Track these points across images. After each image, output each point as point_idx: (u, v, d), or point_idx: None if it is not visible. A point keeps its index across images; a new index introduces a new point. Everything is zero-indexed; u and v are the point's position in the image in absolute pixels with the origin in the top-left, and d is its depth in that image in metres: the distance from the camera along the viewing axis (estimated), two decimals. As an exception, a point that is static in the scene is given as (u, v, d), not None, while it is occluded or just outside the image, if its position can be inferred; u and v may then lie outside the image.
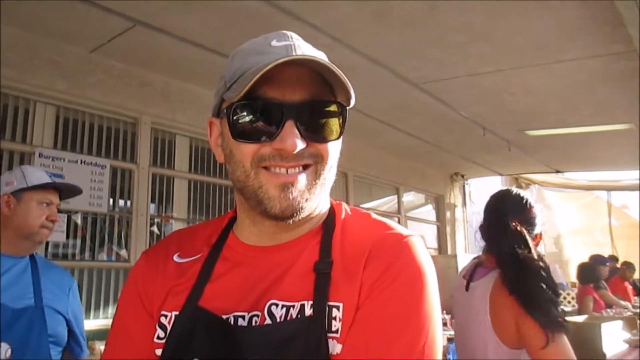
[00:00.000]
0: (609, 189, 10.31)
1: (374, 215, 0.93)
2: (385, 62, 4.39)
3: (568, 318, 2.11)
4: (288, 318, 0.80)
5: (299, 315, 0.80)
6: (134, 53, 4.20)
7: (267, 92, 0.80)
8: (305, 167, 0.83)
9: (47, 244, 3.92)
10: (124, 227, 4.43)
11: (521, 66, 4.43)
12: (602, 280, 6.46)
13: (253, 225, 0.90)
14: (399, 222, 7.69)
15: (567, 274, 9.61)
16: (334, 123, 0.85)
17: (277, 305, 0.82)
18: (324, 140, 0.84)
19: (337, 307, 0.79)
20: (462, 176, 9.20)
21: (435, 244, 8.87)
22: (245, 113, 0.81)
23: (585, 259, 6.99)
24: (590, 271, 6.34)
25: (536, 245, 1.91)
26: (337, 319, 0.79)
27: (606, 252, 8.01)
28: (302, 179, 0.83)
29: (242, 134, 0.82)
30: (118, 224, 4.42)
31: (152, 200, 4.66)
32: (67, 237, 3.97)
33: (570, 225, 10.92)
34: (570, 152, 7.45)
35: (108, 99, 4.28)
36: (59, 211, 3.82)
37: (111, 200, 4.40)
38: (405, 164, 7.97)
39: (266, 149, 0.81)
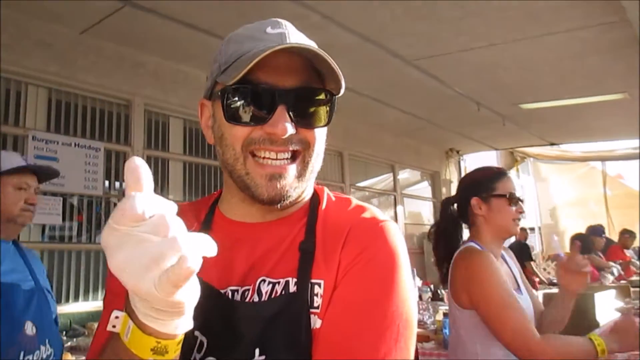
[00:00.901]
0: (603, 159, 10.33)
1: (354, 200, 0.96)
2: (376, 39, 4.37)
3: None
4: (273, 294, 0.84)
5: (283, 292, 0.84)
6: (125, 34, 4.17)
7: (260, 77, 0.82)
8: (293, 157, 0.86)
9: (43, 227, 3.94)
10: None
11: (513, 40, 4.42)
12: (598, 251, 6.51)
13: (242, 202, 0.92)
14: (395, 200, 7.77)
15: (563, 246, 9.68)
16: (323, 111, 0.88)
17: (265, 281, 0.86)
18: (312, 126, 0.87)
19: (319, 284, 0.83)
20: (457, 152, 9.22)
21: (432, 220, 8.92)
22: (238, 97, 0.83)
23: (580, 229, 7.04)
24: (583, 242, 6.39)
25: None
26: (319, 295, 0.83)
27: (601, 222, 8.04)
28: (292, 169, 0.86)
29: (234, 117, 0.84)
30: (114, 206, 4.43)
31: (148, 182, 4.66)
32: (63, 219, 3.98)
33: (566, 197, 10.96)
34: (564, 124, 7.46)
35: (100, 81, 4.26)
36: (53, 194, 3.87)
37: (106, 182, 4.41)
38: (400, 141, 7.97)
39: (257, 132, 0.84)
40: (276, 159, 0.84)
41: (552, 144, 9.02)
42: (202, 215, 0.98)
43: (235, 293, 0.86)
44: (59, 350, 1.84)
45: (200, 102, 0.95)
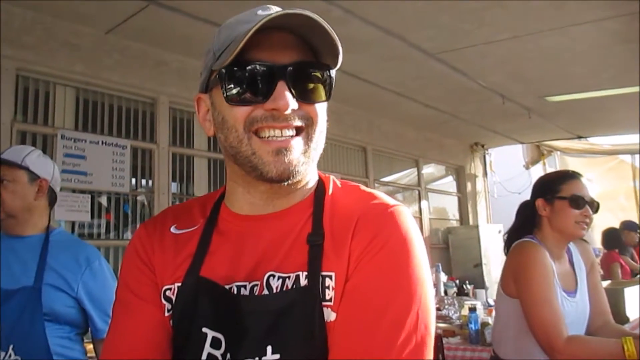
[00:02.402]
0: (633, 152, 10.09)
1: (362, 187, 0.95)
2: (399, 32, 4.34)
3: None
4: (284, 288, 0.84)
5: (294, 286, 0.83)
6: (149, 33, 4.23)
7: (257, 56, 0.83)
8: (297, 132, 0.86)
9: (72, 224, 4.03)
10: (146, 206, 4.52)
11: (538, 31, 4.35)
12: (631, 246, 6.38)
13: (247, 193, 0.92)
14: (419, 194, 7.74)
15: (592, 240, 9.52)
16: (322, 85, 0.88)
17: (274, 276, 0.86)
18: (314, 101, 0.87)
19: (330, 277, 0.83)
20: (482, 146, 9.11)
21: (457, 215, 8.86)
22: (237, 76, 0.83)
23: (610, 224, 6.91)
24: (614, 237, 6.28)
25: None
26: (331, 287, 0.82)
27: (631, 217, 7.88)
28: (296, 143, 0.85)
29: (234, 97, 0.84)
30: (142, 206, 4.51)
31: (173, 179, 4.73)
32: (92, 217, 4.06)
33: (594, 191, 10.75)
34: (592, 116, 7.32)
35: (125, 80, 4.33)
36: (82, 192, 3.94)
37: (133, 180, 4.49)
38: (424, 135, 7.92)
39: (258, 111, 0.84)
40: (281, 136, 0.84)
41: (580, 137, 8.84)
42: (207, 210, 0.98)
43: (243, 288, 0.86)
44: (40, 353, 1.79)
45: (197, 97, 0.96)
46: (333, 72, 0.89)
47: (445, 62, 5.04)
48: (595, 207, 2.06)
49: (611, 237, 6.30)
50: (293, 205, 0.92)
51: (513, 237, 2.14)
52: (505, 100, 6.19)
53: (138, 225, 4.54)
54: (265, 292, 0.85)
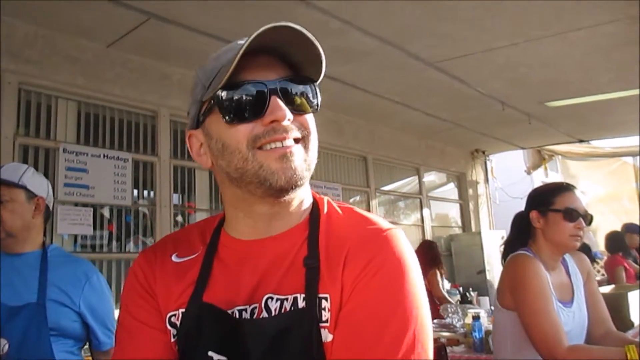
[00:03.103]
0: (635, 154, 10.10)
1: (356, 210, 0.97)
2: (397, 42, 4.37)
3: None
4: (282, 310, 0.86)
5: (292, 308, 0.86)
6: (150, 46, 4.26)
7: (246, 77, 0.87)
8: (296, 142, 0.89)
9: (75, 236, 4.04)
10: (148, 219, 4.53)
11: (536, 38, 4.37)
12: (634, 249, 6.37)
13: (248, 217, 0.94)
14: (420, 203, 7.74)
15: (596, 243, 9.50)
16: (310, 98, 0.92)
17: (272, 298, 0.88)
18: (305, 112, 0.91)
19: (326, 299, 0.85)
20: (483, 152, 9.11)
21: (459, 222, 8.85)
22: (233, 96, 0.87)
23: (613, 227, 6.89)
24: (618, 240, 6.27)
25: None
26: (327, 309, 0.84)
27: (635, 219, 7.87)
28: (297, 150, 0.88)
29: (234, 116, 0.87)
30: (143, 217, 4.52)
31: (175, 191, 4.75)
32: (94, 229, 4.07)
33: (597, 193, 10.76)
34: (592, 120, 7.32)
35: (127, 93, 4.36)
36: (84, 205, 3.95)
37: (135, 192, 4.50)
38: (424, 143, 7.93)
39: (258, 127, 0.87)
40: (282, 147, 0.87)
41: (581, 141, 8.84)
42: (207, 237, 1.00)
43: (244, 312, 0.89)
44: None
45: (188, 134, 0.98)
46: (317, 85, 0.93)
47: (445, 71, 5.06)
48: (588, 219, 2.08)
49: (615, 241, 6.28)
50: (290, 228, 0.94)
51: (509, 248, 2.15)
52: (505, 106, 6.20)
53: (140, 236, 4.57)
54: (264, 314, 0.87)
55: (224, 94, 0.87)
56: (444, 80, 5.28)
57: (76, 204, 3.97)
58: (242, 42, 0.90)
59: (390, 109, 6.18)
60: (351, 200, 6.77)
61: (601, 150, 9.80)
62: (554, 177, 10.53)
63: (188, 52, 4.37)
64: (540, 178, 9.86)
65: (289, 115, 0.86)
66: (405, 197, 7.90)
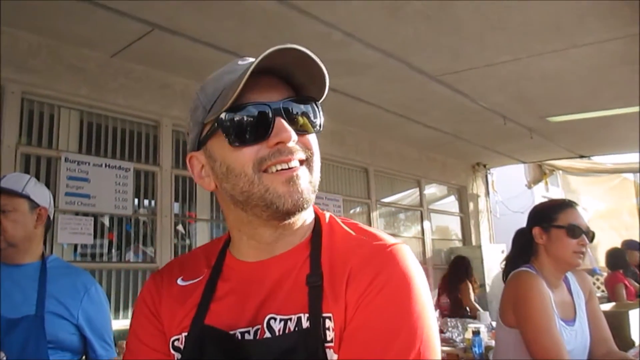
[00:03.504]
0: (636, 171, 10.10)
1: (361, 225, 0.96)
2: (400, 55, 4.38)
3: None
4: (286, 331, 0.85)
5: (296, 328, 0.84)
6: (153, 56, 4.28)
7: (250, 98, 0.87)
8: (301, 164, 0.89)
9: (75, 246, 4.03)
10: (149, 228, 4.52)
11: (538, 53, 4.38)
12: (634, 265, 6.34)
13: (252, 239, 0.94)
14: (421, 215, 7.73)
15: (596, 259, 9.48)
16: (312, 118, 0.92)
17: (275, 319, 0.87)
18: (308, 132, 0.91)
19: (329, 318, 0.84)
20: (484, 166, 9.12)
21: (459, 235, 8.83)
22: (237, 119, 0.86)
23: (614, 243, 6.87)
24: (618, 257, 6.24)
25: None
26: (331, 328, 0.83)
27: (635, 235, 7.84)
28: (303, 172, 0.88)
29: (238, 139, 0.87)
30: (143, 225, 4.51)
31: (176, 200, 4.75)
32: (95, 238, 4.07)
33: (598, 209, 10.74)
34: (594, 136, 7.33)
35: (129, 103, 4.37)
36: (85, 214, 3.95)
37: (136, 201, 4.50)
38: (425, 156, 7.94)
39: (264, 149, 0.86)
40: (288, 168, 0.86)
41: (582, 156, 8.85)
42: (212, 260, 1.00)
43: (247, 334, 0.87)
44: None
45: (189, 157, 0.97)
46: (319, 105, 0.93)
47: (447, 84, 5.07)
48: (590, 236, 2.07)
49: (615, 257, 6.25)
50: (293, 247, 0.93)
51: (511, 265, 2.15)
52: (506, 120, 6.21)
53: (140, 245, 4.55)
54: (267, 334, 0.86)
55: (227, 116, 0.86)
56: (446, 94, 5.30)
57: (77, 213, 3.97)
58: (242, 62, 0.92)
59: (392, 121, 6.19)
60: (351, 211, 6.77)
61: (602, 166, 9.81)
62: (555, 191, 10.53)
63: (191, 63, 4.40)
64: (541, 193, 9.85)
65: (294, 136, 0.86)
66: (405, 209, 7.89)
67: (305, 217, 0.95)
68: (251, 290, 0.91)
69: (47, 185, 2.17)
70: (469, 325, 4.27)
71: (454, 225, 8.86)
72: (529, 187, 9.45)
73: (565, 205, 2.13)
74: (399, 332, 0.79)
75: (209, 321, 0.90)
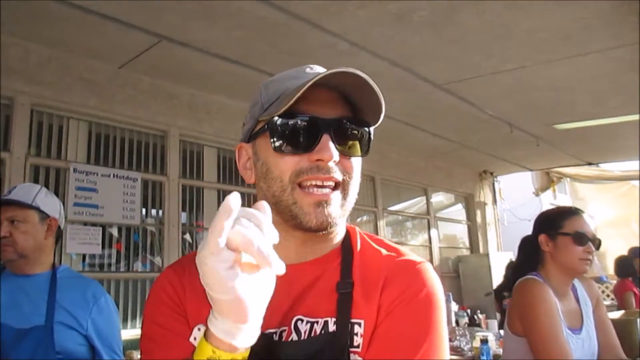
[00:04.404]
0: (645, 178, 10.03)
1: (386, 241, 1.01)
2: (406, 64, 4.40)
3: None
4: (312, 333, 0.87)
5: (322, 331, 0.87)
6: (160, 67, 4.31)
7: (303, 109, 0.88)
8: (336, 186, 0.90)
9: (83, 255, 4.05)
10: (156, 238, 4.54)
11: (545, 61, 4.39)
12: (641, 273, 6.29)
13: (283, 240, 0.93)
14: (428, 223, 7.71)
15: (604, 267, 9.42)
16: (361, 141, 0.93)
17: (302, 320, 0.89)
18: (352, 155, 0.93)
19: (359, 324, 0.87)
20: (491, 174, 9.09)
21: (467, 244, 8.80)
22: (286, 127, 0.88)
23: (622, 251, 6.82)
24: (627, 264, 6.20)
25: None
26: (359, 334, 0.86)
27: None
28: (335, 197, 0.90)
29: (282, 147, 0.89)
30: (150, 235, 4.53)
31: (183, 210, 4.76)
32: (103, 248, 4.09)
33: (606, 216, 10.68)
34: (601, 143, 7.31)
35: (137, 114, 4.40)
36: (93, 224, 3.97)
37: (143, 211, 4.52)
38: (432, 164, 7.93)
39: (304, 162, 0.88)
40: (322, 186, 0.88)
41: (590, 164, 8.81)
42: None
43: (274, 335, 0.89)
44: None
45: (238, 146, 0.99)
46: (372, 129, 0.95)
47: (453, 92, 5.08)
48: (597, 243, 2.07)
49: (624, 265, 6.21)
50: (324, 255, 0.95)
51: (517, 273, 2.15)
52: (513, 128, 6.21)
53: (148, 255, 4.54)
54: (294, 335, 0.88)
55: (278, 121, 0.88)
56: (452, 102, 5.30)
57: (85, 224, 4.00)
58: (310, 70, 0.93)
59: (398, 130, 6.20)
60: (358, 220, 6.76)
61: (610, 174, 9.76)
62: (563, 199, 10.48)
63: (198, 73, 4.43)
64: (548, 200, 9.81)
65: (335, 157, 0.87)
66: (412, 218, 7.87)
67: (337, 231, 0.97)
68: (281, 292, 0.89)
69: (56, 195, 2.17)
70: (477, 333, 4.25)
71: (462, 233, 8.83)
72: (537, 194, 9.42)
73: (571, 212, 2.13)
74: (421, 343, 0.85)
75: None
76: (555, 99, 5.39)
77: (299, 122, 0.87)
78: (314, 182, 0.87)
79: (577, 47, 4.14)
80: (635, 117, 5.85)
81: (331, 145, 0.86)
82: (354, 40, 3.90)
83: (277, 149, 0.88)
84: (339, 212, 0.90)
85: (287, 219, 0.90)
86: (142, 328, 0.98)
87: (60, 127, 4.03)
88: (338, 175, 0.89)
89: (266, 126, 0.90)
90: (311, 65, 0.96)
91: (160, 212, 4.62)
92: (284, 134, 0.87)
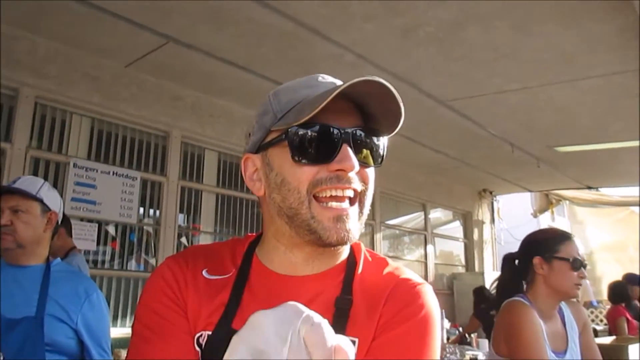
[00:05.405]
0: (644, 204, 10.03)
1: (389, 261, 1.01)
2: (410, 78, 4.42)
3: (597, 340, 2.20)
4: None
5: None
6: (166, 68, 4.33)
7: (322, 119, 0.86)
8: (353, 200, 0.89)
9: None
10: (152, 238, 4.54)
11: (548, 83, 4.41)
12: (635, 300, 6.27)
13: (289, 252, 0.93)
14: (425, 239, 7.70)
15: (599, 292, 9.40)
16: (377, 151, 0.93)
17: None
18: (369, 165, 0.92)
19: (353, 342, 0.85)
20: (491, 192, 9.11)
21: (462, 261, 8.79)
22: (306, 136, 0.86)
23: (618, 276, 6.81)
24: (621, 290, 6.18)
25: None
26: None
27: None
28: (353, 211, 0.89)
29: (301, 156, 0.87)
30: (147, 234, 4.53)
31: (181, 212, 4.77)
32: (98, 244, 4.09)
33: (603, 241, 10.67)
34: (602, 167, 7.33)
35: (140, 113, 4.42)
36: (89, 220, 3.97)
37: (141, 210, 4.52)
38: (432, 180, 7.94)
39: (323, 172, 0.86)
40: (341, 198, 0.87)
41: (589, 188, 8.82)
42: (238, 259, 0.98)
43: None
44: None
45: (245, 157, 0.97)
46: (386, 140, 0.95)
47: (456, 109, 5.10)
48: (585, 267, 2.08)
49: (618, 291, 6.18)
50: (328, 269, 0.94)
51: (503, 293, 2.14)
52: (514, 148, 6.22)
53: (142, 255, 4.54)
54: None
55: (297, 130, 0.86)
56: (454, 119, 5.32)
57: (82, 219, 4.00)
58: (322, 80, 0.93)
59: (399, 144, 6.15)
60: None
61: (609, 198, 9.77)
62: (561, 221, 10.48)
63: (203, 76, 4.45)
64: (546, 222, 9.81)
65: (356, 167, 0.86)
66: (410, 233, 7.87)
67: (341, 251, 0.96)
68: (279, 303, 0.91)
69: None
70: (467, 352, 4.24)
71: (458, 251, 8.82)
72: (535, 216, 9.42)
73: (566, 237, 2.13)
74: (417, 356, 0.87)
75: (236, 326, 0.87)
76: (557, 121, 5.41)
77: (319, 132, 0.86)
78: (332, 193, 0.86)
79: (580, 71, 4.17)
80: (635, 143, 5.86)
81: (352, 154, 0.85)
82: (359, 53, 3.92)
83: (296, 159, 0.86)
84: (357, 226, 0.89)
85: (304, 234, 0.88)
86: (136, 314, 0.94)
87: (63, 121, 4.05)
88: (357, 185, 0.88)
89: (283, 135, 0.87)
90: (322, 75, 0.95)
91: (158, 212, 4.63)
92: (303, 144, 0.86)
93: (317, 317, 0.53)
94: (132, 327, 0.94)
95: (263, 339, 0.52)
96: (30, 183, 2.03)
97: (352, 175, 0.87)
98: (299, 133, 0.86)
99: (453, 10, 3.36)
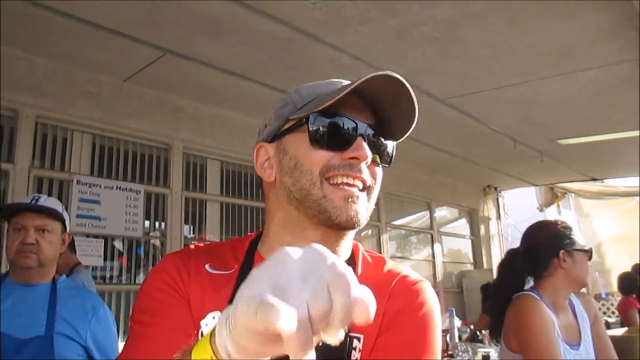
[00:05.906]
0: (651, 194, 9.97)
1: (387, 259, 1.03)
2: (408, 78, 4.28)
3: (609, 332, 2.20)
4: None
5: (320, 343, 0.84)
6: (164, 80, 4.35)
7: (340, 111, 0.90)
8: (362, 189, 0.92)
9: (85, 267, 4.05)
10: (159, 250, 4.55)
11: (547, 76, 4.40)
12: (645, 290, 6.23)
13: (295, 242, 0.90)
14: (432, 238, 7.68)
15: (609, 284, 9.34)
16: (387, 153, 0.97)
17: None
18: (379, 163, 0.96)
19: (358, 339, 0.87)
20: (495, 188, 9.08)
21: (470, 259, 8.76)
22: (325, 122, 0.90)
23: (627, 267, 6.77)
24: (631, 281, 6.15)
25: None
26: (357, 349, 0.87)
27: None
28: (362, 196, 0.92)
29: (318, 141, 0.90)
30: (153, 248, 4.54)
31: (186, 222, 4.77)
32: (105, 260, 4.09)
33: (611, 232, 10.60)
34: (605, 158, 7.30)
35: (141, 126, 4.43)
36: (95, 236, 3.98)
37: (146, 223, 4.53)
38: (436, 178, 7.93)
39: (336, 159, 0.89)
40: (353, 185, 0.89)
41: (594, 179, 8.78)
42: (240, 255, 0.98)
43: None
44: None
45: (258, 145, 0.99)
46: (396, 143, 0.98)
47: (456, 107, 5.09)
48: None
49: (628, 282, 6.15)
50: None
51: (506, 288, 2.13)
52: (516, 143, 6.21)
53: (150, 268, 4.53)
54: None
55: (318, 117, 0.90)
56: (455, 117, 5.31)
57: (87, 235, 4.01)
58: (341, 80, 0.96)
59: (401, 144, 6.10)
60: (362, 234, 6.75)
61: (615, 189, 9.71)
62: (567, 214, 10.42)
63: (202, 87, 4.46)
64: (553, 215, 9.76)
65: (369, 157, 0.89)
66: (416, 232, 7.85)
67: (349, 242, 0.98)
68: None
69: (59, 207, 2.20)
70: (479, 349, 4.22)
71: (466, 248, 8.79)
72: (541, 210, 9.38)
73: (571, 227, 2.14)
74: (421, 353, 0.88)
75: None
76: (558, 114, 5.40)
77: (339, 120, 0.89)
78: (344, 180, 0.89)
79: (578, 63, 4.16)
80: (636, 133, 5.84)
81: (366, 146, 0.89)
82: (356, 55, 3.92)
83: (313, 143, 0.89)
84: (365, 212, 0.91)
85: (315, 213, 0.89)
86: (134, 304, 0.93)
87: (64, 139, 4.07)
88: (367, 178, 0.91)
89: (304, 120, 0.91)
90: (340, 79, 0.98)
91: (163, 224, 4.63)
92: (322, 129, 0.89)
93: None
94: (130, 317, 0.93)
95: (285, 276, 0.51)
96: (54, 203, 2.05)
97: (363, 166, 0.90)
98: (319, 119, 0.90)
99: (448, 8, 3.36)
